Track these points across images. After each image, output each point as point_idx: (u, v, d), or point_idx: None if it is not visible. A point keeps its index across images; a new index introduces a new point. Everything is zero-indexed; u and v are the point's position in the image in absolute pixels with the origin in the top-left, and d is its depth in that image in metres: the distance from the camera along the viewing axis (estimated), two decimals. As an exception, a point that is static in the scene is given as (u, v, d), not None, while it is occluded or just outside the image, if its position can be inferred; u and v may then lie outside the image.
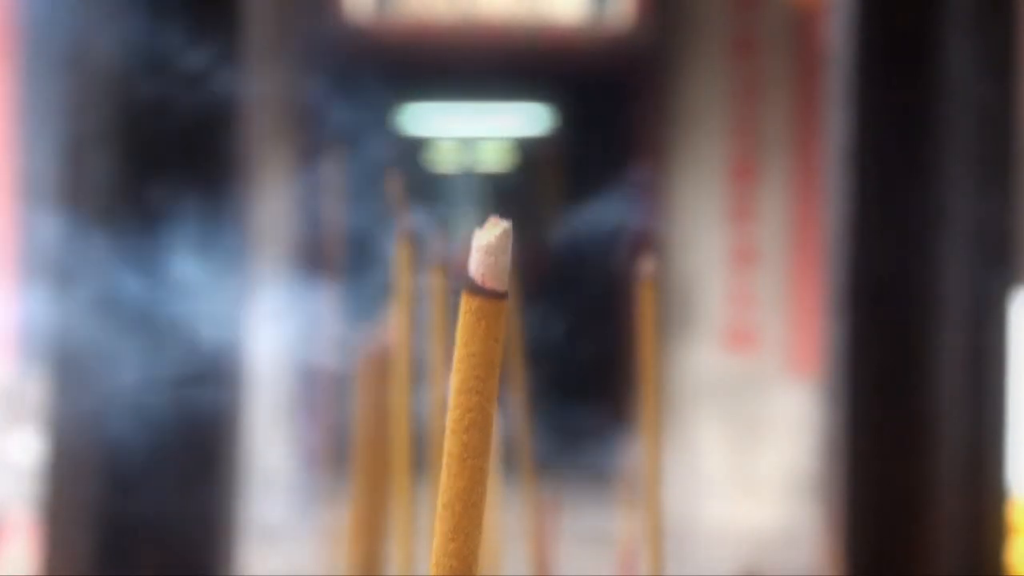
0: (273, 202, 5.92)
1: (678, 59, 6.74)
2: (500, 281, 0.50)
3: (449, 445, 0.50)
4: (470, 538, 0.50)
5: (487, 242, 0.50)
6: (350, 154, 1.63)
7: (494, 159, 9.61)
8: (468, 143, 9.56)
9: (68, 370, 1.92)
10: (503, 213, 0.53)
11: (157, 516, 1.94)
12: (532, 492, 1.26)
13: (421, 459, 1.18)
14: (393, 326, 1.26)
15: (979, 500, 2.46)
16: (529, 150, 9.31)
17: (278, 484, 6.43)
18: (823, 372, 2.61)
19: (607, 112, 7.77)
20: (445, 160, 9.56)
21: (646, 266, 1.12)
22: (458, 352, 0.51)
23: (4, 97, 5.36)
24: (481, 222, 0.51)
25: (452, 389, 0.51)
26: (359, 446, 1.50)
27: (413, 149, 9.05)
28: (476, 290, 0.50)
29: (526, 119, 9.21)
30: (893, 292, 2.46)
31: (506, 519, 1.31)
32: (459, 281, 0.52)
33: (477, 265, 0.50)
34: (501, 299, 0.51)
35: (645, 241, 6.99)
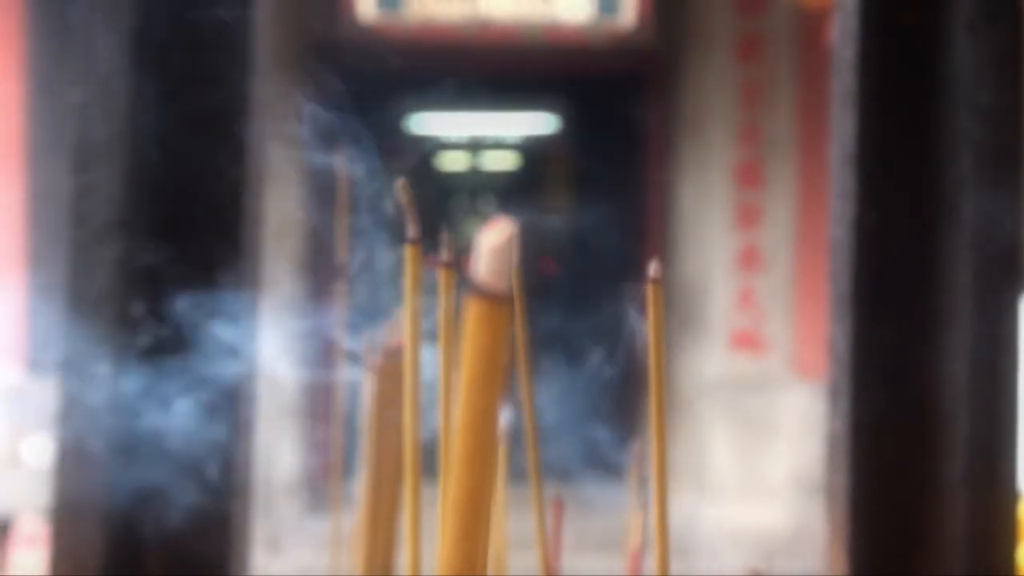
0: (281, 205, 5.92)
1: (684, 62, 6.75)
2: (506, 283, 0.51)
3: (456, 445, 0.51)
4: (477, 537, 0.51)
5: (493, 244, 0.51)
6: (358, 157, 1.64)
7: (501, 161, 9.62)
8: (475, 145, 9.56)
9: (77, 375, 1.93)
10: (509, 215, 0.53)
11: (166, 523, 1.95)
12: (539, 495, 1.26)
13: (430, 464, 1.19)
14: (402, 330, 1.26)
15: (988, 502, 2.46)
16: (536, 153, 9.31)
17: (287, 489, 6.43)
18: (829, 374, 2.61)
19: (613, 115, 7.77)
20: (453, 163, 9.56)
21: (653, 269, 1.12)
22: (464, 353, 0.51)
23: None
24: (487, 224, 0.51)
25: (459, 390, 0.52)
26: (368, 451, 1.50)
27: (421, 152, 9.06)
28: (482, 292, 0.51)
29: (533, 122, 9.21)
30: (899, 294, 2.46)
31: (513, 521, 1.31)
32: (466, 283, 0.52)
33: (483, 267, 0.51)
34: (507, 301, 0.51)
35: (651, 244, 6.98)
